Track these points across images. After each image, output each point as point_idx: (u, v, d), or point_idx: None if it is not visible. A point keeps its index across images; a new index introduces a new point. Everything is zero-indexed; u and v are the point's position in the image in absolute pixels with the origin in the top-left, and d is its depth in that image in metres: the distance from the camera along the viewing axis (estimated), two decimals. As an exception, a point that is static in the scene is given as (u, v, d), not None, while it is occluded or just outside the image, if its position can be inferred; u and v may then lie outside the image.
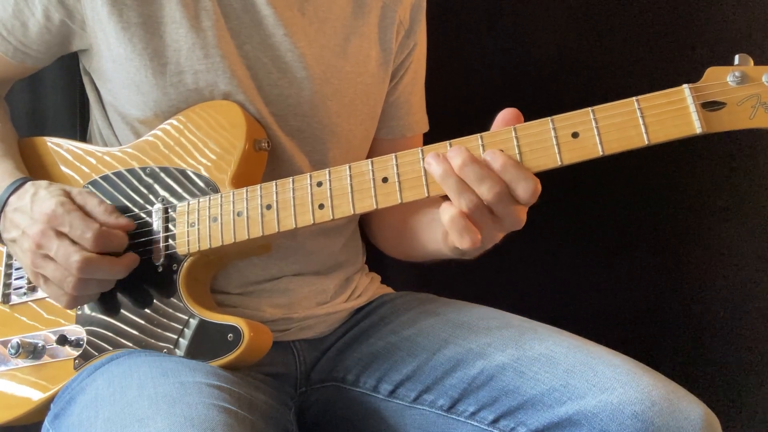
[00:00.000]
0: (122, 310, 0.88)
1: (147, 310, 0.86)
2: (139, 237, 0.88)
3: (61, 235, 0.81)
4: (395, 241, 1.06)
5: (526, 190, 0.70)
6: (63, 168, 0.96)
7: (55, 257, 0.81)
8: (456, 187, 0.71)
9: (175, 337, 0.84)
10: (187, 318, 0.84)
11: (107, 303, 0.88)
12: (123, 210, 0.90)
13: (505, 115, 0.74)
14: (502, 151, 0.72)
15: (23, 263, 0.86)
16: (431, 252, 0.92)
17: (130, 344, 0.87)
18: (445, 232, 0.77)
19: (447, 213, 0.73)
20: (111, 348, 0.87)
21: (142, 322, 0.86)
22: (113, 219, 0.84)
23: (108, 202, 0.86)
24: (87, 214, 0.84)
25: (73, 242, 0.81)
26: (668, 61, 1.25)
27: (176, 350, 0.84)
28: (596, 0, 1.28)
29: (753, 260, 1.30)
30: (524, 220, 0.73)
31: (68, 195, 0.84)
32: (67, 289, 0.82)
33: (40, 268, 0.83)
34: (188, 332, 0.84)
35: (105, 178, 0.92)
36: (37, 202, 0.83)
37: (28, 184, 0.87)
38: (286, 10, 0.91)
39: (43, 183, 0.87)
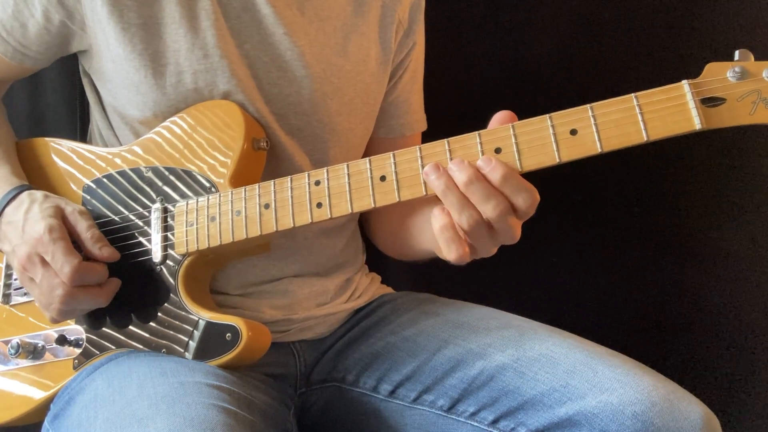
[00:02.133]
0: (122, 310, 0.87)
1: (146, 311, 0.86)
2: (138, 237, 0.88)
3: (45, 263, 0.81)
4: (392, 241, 1.06)
5: (526, 201, 0.70)
6: (63, 169, 0.96)
7: (39, 285, 0.82)
8: (458, 203, 0.70)
9: (181, 341, 0.84)
10: (185, 318, 0.84)
11: (106, 303, 0.88)
12: (122, 211, 0.90)
13: (499, 117, 0.73)
14: (498, 150, 0.71)
15: (17, 275, 0.87)
16: (426, 251, 0.91)
17: (130, 345, 0.86)
18: None
19: (437, 221, 0.72)
20: (110, 348, 0.87)
21: (142, 322, 0.86)
22: (97, 249, 0.84)
23: (97, 228, 0.86)
24: (78, 236, 0.84)
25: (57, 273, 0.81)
26: (668, 57, 1.24)
27: (180, 353, 0.83)
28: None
29: (753, 260, 1.30)
30: (519, 235, 0.73)
31: (60, 215, 0.84)
32: (52, 314, 0.83)
33: (27, 287, 0.85)
34: (193, 337, 0.83)
35: (105, 178, 0.92)
36: (28, 221, 0.84)
37: (24, 195, 0.87)
38: (285, 9, 0.91)
39: (39, 196, 0.87)
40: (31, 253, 0.81)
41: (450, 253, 0.72)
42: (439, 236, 0.73)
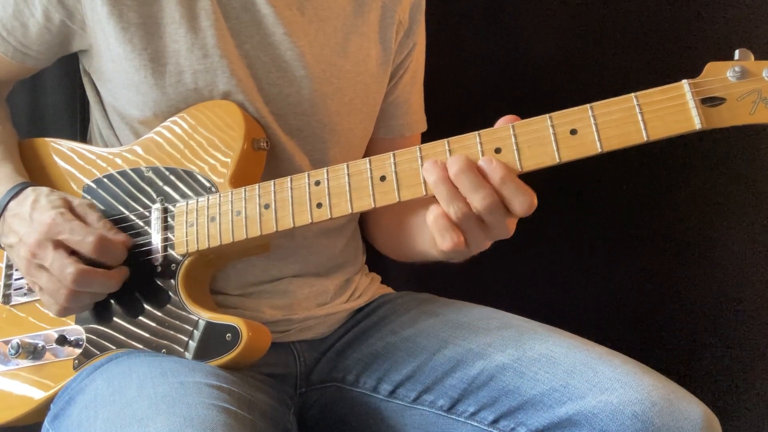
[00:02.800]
0: (122, 310, 0.88)
1: (146, 311, 0.86)
2: (139, 237, 0.88)
3: (58, 245, 0.81)
4: (390, 241, 1.06)
5: (523, 204, 0.70)
6: (63, 169, 0.96)
7: (50, 268, 0.82)
8: (447, 194, 0.71)
9: (181, 341, 0.84)
10: (191, 322, 0.84)
11: (106, 302, 0.88)
12: (121, 211, 0.90)
13: (504, 121, 0.73)
14: (497, 150, 0.72)
15: (20, 269, 0.86)
16: (421, 252, 0.91)
17: (130, 344, 0.86)
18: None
19: (432, 213, 0.73)
20: (110, 348, 0.87)
21: (142, 322, 0.86)
22: (112, 234, 0.84)
23: (106, 218, 0.86)
24: (87, 224, 0.84)
25: (69, 254, 0.81)
26: (668, 57, 1.24)
27: (180, 353, 0.83)
28: (595, -3, 1.28)
29: (752, 259, 1.30)
30: (513, 230, 0.74)
31: (69, 205, 0.85)
32: (60, 301, 0.82)
33: (34, 277, 0.84)
34: (193, 337, 0.83)
35: (105, 178, 0.92)
36: (37, 210, 0.84)
37: (29, 190, 0.87)
38: (285, 9, 0.91)
39: (45, 190, 0.87)
40: (42, 239, 0.81)
41: (444, 241, 0.73)
42: (432, 227, 0.73)
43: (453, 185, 0.71)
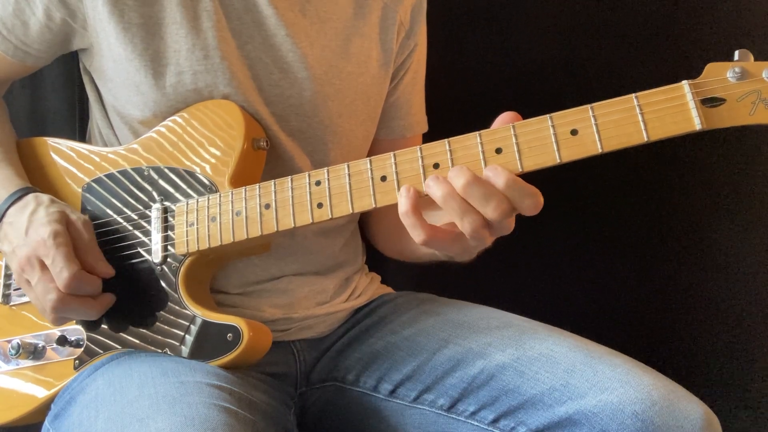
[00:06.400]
0: (122, 310, 0.88)
1: (146, 311, 0.86)
2: (139, 236, 0.88)
3: (44, 266, 0.82)
4: (392, 242, 1.06)
5: (530, 205, 0.70)
6: (63, 168, 0.96)
7: (34, 288, 0.82)
8: (459, 208, 0.70)
9: (177, 338, 0.84)
10: (187, 318, 0.84)
11: (107, 302, 0.88)
12: (122, 210, 0.90)
13: (503, 118, 0.73)
14: (498, 150, 0.72)
15: (14, 277, 0.87)
16: (424, 254, 0.91)
17: (131, 344, 0.86)
18: None
19: (402, 206, 0.73)
20: (111, 348, 0.87)
21: (142, 322, 0.86)
22: (94, 262, 0.84)
23: (96, 243, 0.86)
24: (78, 246, 0.84)
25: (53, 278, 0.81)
26: (668, 57, 1.24)
27: (177, 350, 0.84)
28: (595, -2, 1.28)
29: (753, 259, 1.30)
30: (513, 225, 0.74)
31: (65, 222, 0.84)
32: (47, 317, 0.84)
33: (24, 290, 0.85)
34: (189, 333, 0.84)
35: (105, 177, 0.92)
36: (33, 223, 0.84)
37: (30, 197, 0.87)
38: (287, 11, 0.91)
39: (45, 200, 0.86)
40: (32, 255, 0.82)
41: (415, 236, 0.73)
42: (405, 222, 0.73)
43: (463, 199, 0.70)
